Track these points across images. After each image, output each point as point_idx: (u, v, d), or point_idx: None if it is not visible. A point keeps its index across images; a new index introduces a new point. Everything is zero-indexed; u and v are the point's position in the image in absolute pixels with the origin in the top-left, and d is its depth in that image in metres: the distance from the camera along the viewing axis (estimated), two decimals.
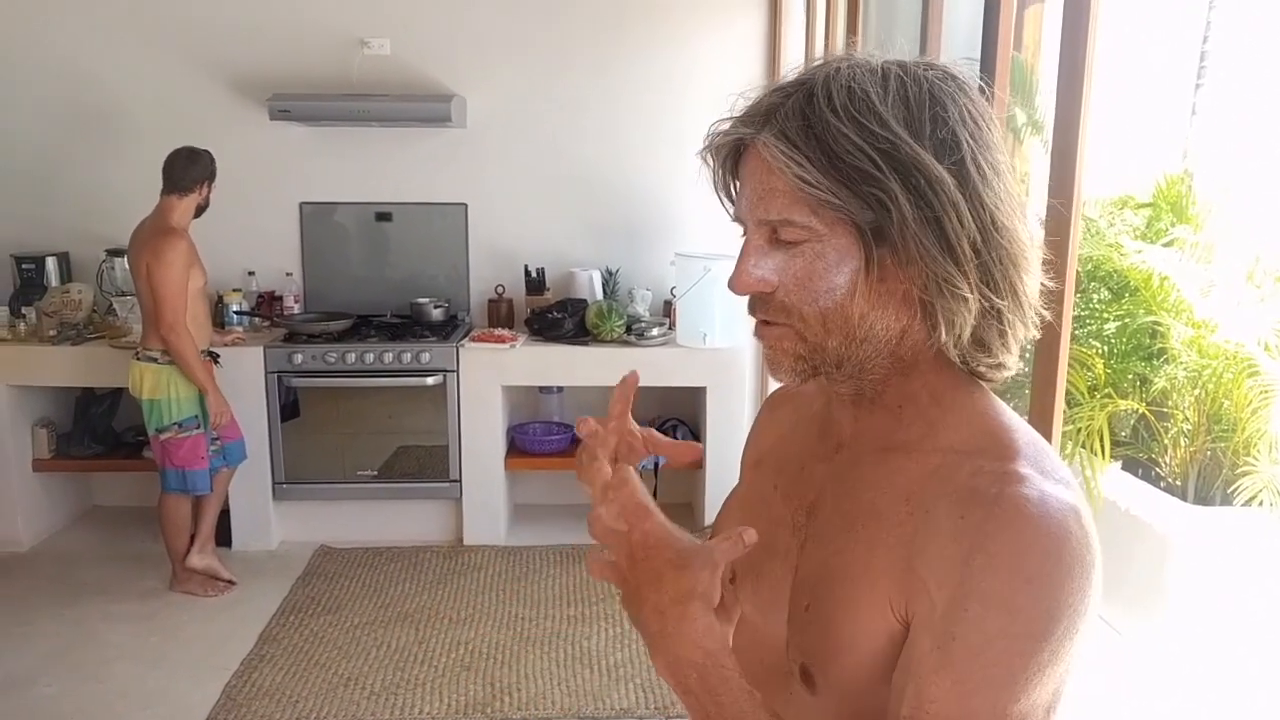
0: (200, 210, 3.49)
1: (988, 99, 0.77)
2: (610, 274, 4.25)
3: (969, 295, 0.71)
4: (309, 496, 4.03)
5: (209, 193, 3.48)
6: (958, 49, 2.83)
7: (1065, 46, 1.56)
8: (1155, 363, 3.49)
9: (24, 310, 3.96)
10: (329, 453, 4.03)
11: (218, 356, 3.64)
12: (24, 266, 4.04)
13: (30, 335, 3.92)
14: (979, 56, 1.96)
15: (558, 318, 4.01)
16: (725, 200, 0.80)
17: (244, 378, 3.79)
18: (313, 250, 4.33)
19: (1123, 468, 3.67)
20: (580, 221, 4.34)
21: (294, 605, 3.53)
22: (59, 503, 4.21)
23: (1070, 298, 1.53)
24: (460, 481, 4.02)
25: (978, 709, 0.66)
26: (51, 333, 3.89)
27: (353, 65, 4.13)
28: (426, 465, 4.05)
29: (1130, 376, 3.52)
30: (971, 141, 0.71)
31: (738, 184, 0.78)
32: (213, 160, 3.49)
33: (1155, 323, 3.44)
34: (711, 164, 0.78)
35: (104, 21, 4.11)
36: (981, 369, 0.77)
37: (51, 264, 4.09)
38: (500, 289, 4.28)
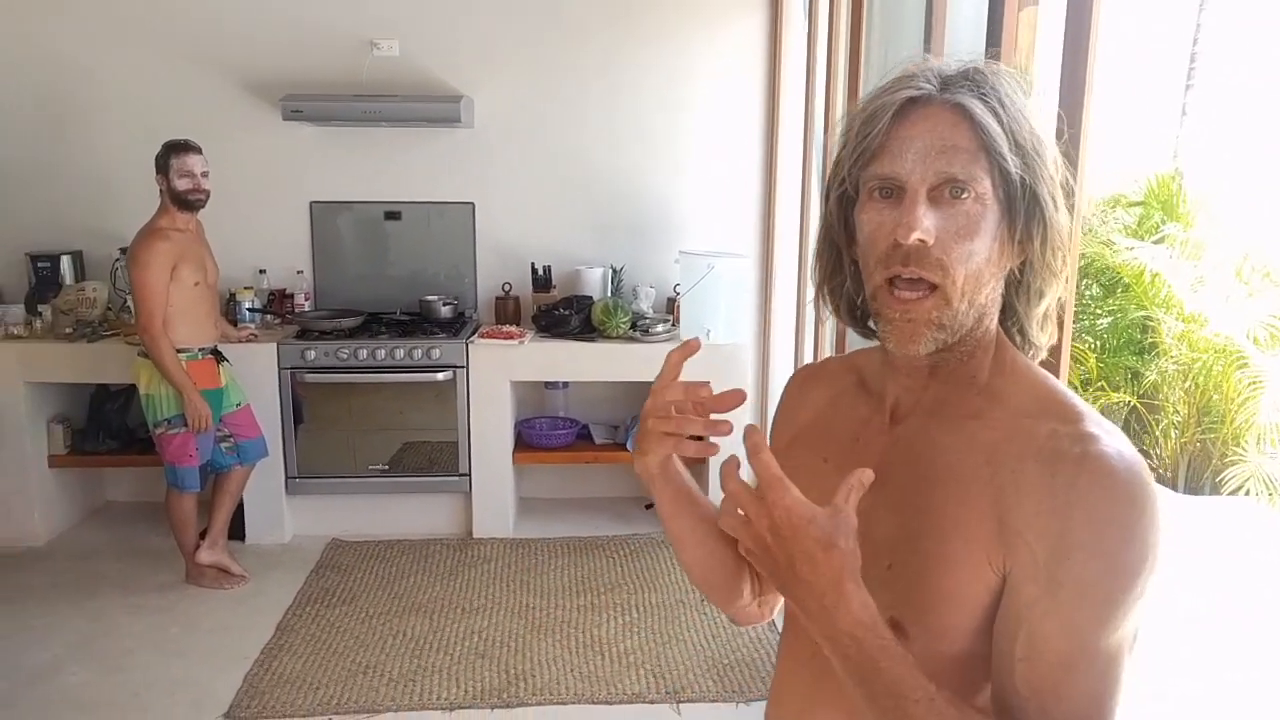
0: (180, 202, 3.40)
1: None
2: (615, 271, 4.34)
3: (1063, 273, 0.84)
4: (321, 490, 4.11)
5: (167, 184, 3.38)
6: (961, 51, 2.92)
7: (1068, 50, 1.64)
8: (1146, 357, 3.59)
9: (40, 308, 4.02)
10: (340, 447, 4.10)
11: (222, 356, 3.67)
12: (39, 265, 4.10)
13: (46, 333, 3.99)
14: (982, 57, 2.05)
15: (564, 314, 4.10)
16: (855, 163, 0.84)
17: (258, 374, 3.87)
18: (323, 248, 4.41)
19: None
20: (585, 219, 4.42)
21: (309, 596, 3.60)
22: (75, 498, 4.28)
23: (1072, 295, 1.62)
24: (469, 475, 4.10)
25: (1085, 643, 0.76)
26: (67, 330, 3.95)
27: (363, 67, 4.20)
28: (436, 459, 4.13)
29: (1122, 370, 3.62)
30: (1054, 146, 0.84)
31: (888, 143, 0.82)
32: (162, 152, 3.39)
33: (1146, 317, 3.55)
34: (873, 122, 0.82)
35: (119, 23, 4.17)
36: (1032, 342, 0.90)
37: (66, 262, 4.15)
38: (507, 286, 4.36)
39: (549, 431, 4.30)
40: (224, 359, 3.66)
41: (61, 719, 2.81)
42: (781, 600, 1.09)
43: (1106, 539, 0.74)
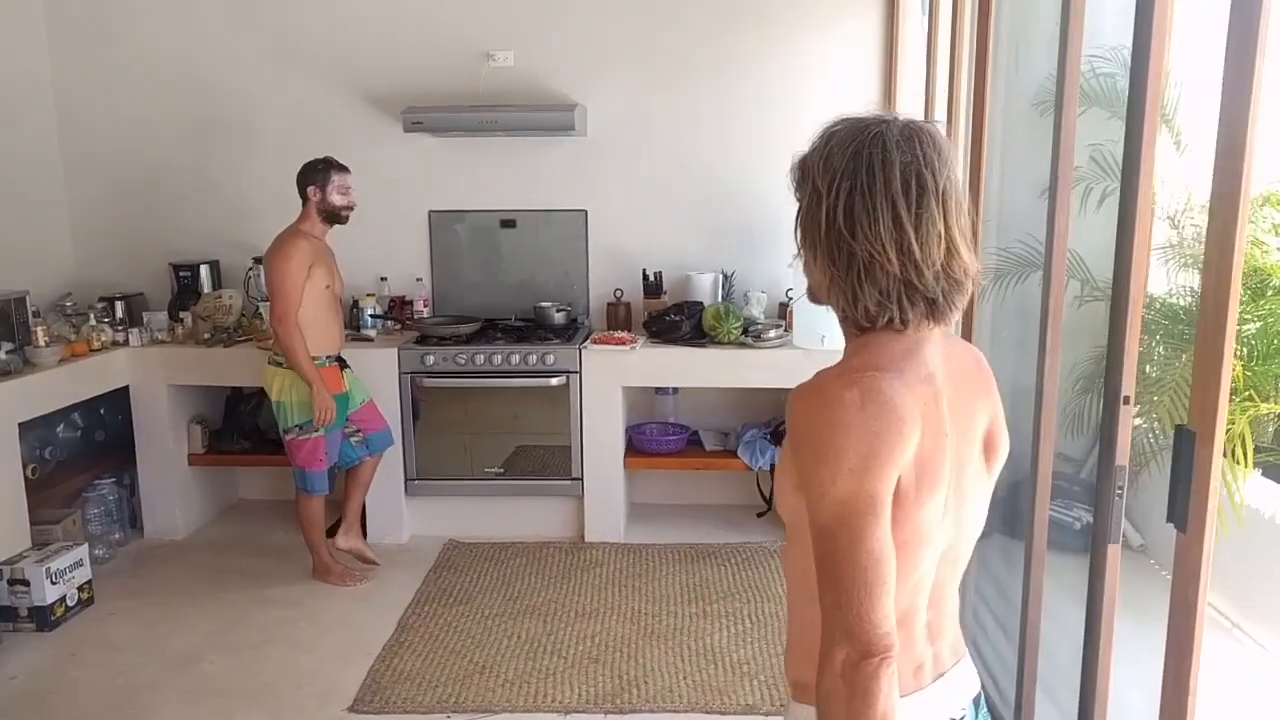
0: (329, 215, 3.61)
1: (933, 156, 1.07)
2: (727, 277, 4.31)
3: (820, 271, 1.14)
4: (439, 492, 4.21)
5: (322, 197, 3.57)
6: (1104, 40, 2.79)
7: (1233, 33, 1.54)
8: None
9: (181, 314, 4.26)
10: (457, 450, 4.20)
11: (345, 363, 3.79)
12: (181, 274, 4.35)
13: (186, 338, 4.22)
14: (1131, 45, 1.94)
15: (675, 320, 4.09)
16: None
17: (379, 378, 3.99)
18: (441, 256, 4.52)
19: (1263, 475, 3.53)
20: (697, 225, 4.41)
21: (427, 595, 3.70)
22: (211, 495, 4.51)
23: (1236, 297, 1.51)
24: (582, 480, 4.13)
25: (817, 516, 1.01)
26: (205, 335, 4.17)
27: (480, 78, 4.30)
28: (549, 463, 4.18)
29: (1272, 379, 3.38)
30: (859, 178, 1.07)
31: None
32: (322, 166, 3.58)
33: None
34: None
35: (252, 43, 4.39)
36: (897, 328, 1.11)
37: (205, 271, 4.38)
38: (619, 292, 4.38)
39: (659, 437, 4.30)
40: (346, 365, 3.80)
41: (204, 704, 2.95)
42: None
43: (801, 432, 1.02)
